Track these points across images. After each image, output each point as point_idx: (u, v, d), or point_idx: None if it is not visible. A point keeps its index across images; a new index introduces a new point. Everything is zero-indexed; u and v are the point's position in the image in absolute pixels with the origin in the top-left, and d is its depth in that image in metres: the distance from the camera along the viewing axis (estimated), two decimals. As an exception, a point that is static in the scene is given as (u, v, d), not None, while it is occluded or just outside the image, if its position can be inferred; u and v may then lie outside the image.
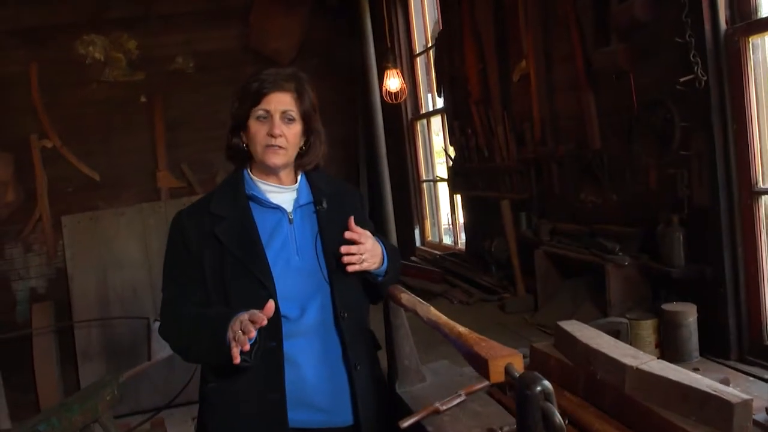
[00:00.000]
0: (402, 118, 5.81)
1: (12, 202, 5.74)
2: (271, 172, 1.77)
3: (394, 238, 5.90)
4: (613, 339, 1.84)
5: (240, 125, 1.76)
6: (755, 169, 2.12)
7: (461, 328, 1.48)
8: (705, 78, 2.16)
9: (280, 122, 1.71)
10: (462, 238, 4.80)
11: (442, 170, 5.37)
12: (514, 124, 3.56)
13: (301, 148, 1.80)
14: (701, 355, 2.19)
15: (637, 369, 1.60)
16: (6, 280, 5.87)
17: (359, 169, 6.42)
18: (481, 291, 3.58)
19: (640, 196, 2.55)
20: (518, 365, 1.26)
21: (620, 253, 2.45)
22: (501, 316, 3.15)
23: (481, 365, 1.28)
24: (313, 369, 1.73)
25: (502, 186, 3.70)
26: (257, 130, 1.71)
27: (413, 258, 5.23)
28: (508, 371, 1.23)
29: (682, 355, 2.16)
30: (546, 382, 1.12)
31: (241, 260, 1.69)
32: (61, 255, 5.78)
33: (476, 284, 3.72)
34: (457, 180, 4.49)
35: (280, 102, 1.72)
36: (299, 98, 1.75)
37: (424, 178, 5.81)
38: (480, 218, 4.27)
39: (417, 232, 5.93)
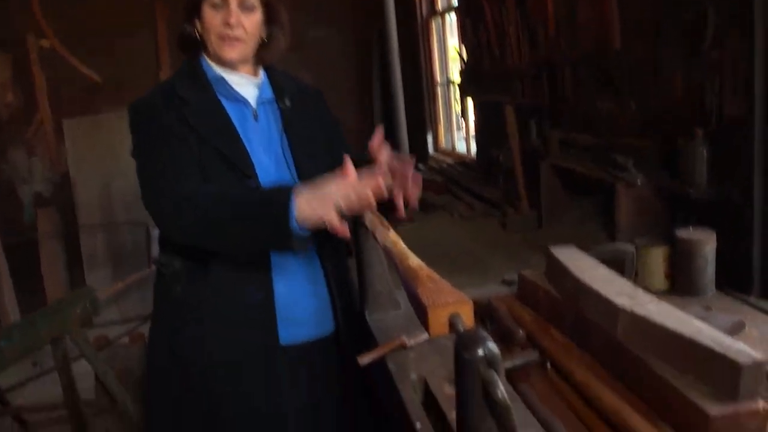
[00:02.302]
0: (416, 16, 5.37)
1: (11, 102, 5.57)
2: (227, 65, 1.58)
3: (405, 144, 5.64)
4: (611, 272, 1.59)
5: (192, 11, 1.54)
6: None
7: (413, 261, 1.24)
8: (749, -38, 1.78)
9: (237, 10, 1.51)
10: (474, 145, 4.50)
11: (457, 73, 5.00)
12: (528, 22, 3.17)
13: (262, 40, 1.59)
14: (718, 289, 1.92)
15: (631, 312, 1.36)
16: (11, 183, 5.80)
17: (372, 71, 6.05)
18: (485, 204, 3.32)
19: (663, 106, 2.22)
20: (466, 316, 1.02)
21: (633, 170, 2.15)
22: (501, 233, 2.90)
23: (421, 312, 1.04)
24: (290, 278, 1.58)
25: (513, 90, 3.36)
26: (212, 18, 1.51)
27: (419, 166, 4.95)
28: (452, 324, 1.00)
29: (696, 289, 1.89)
30: (491, 345, 0.88)
31: (220, 151, 1.50)
32: (65, 160, 5.64)
33: (481, 197, 3.45)
34: (468, 83, 4.14)
35: None
36: None
37: (438, 80, 5.44)
38: (491, 124, 3.95)
39: (430, 138, 5.62)
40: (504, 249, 2.65)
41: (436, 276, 1.16)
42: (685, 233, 1.93)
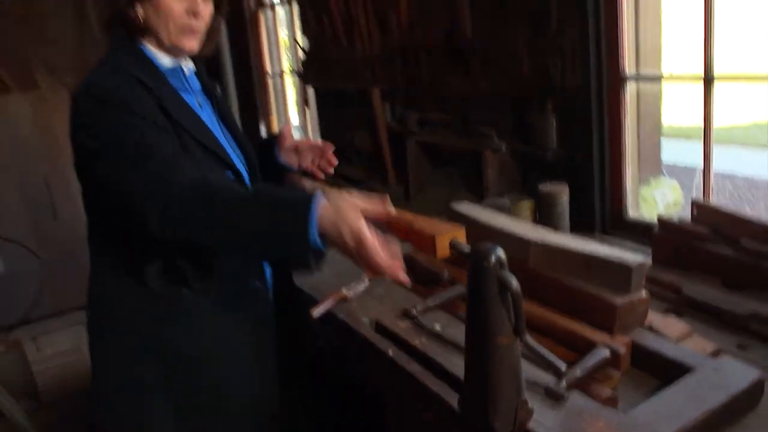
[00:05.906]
0: (243, 8, 5.41)
1: None
2: (177, 55, 1.56)
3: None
4: (510, 217, 1.93)
5: None
6: (623, 57, 2.27)
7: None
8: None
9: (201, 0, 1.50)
10: (312, 133, 4.70)
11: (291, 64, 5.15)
12: (377, 11, 3.45)
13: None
14: (571, 230, 2.37)
15: (541, 244, 1.70)
16: None
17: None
18: (347, 182, 3.56)
19: (512, 84, 2.62)
20: (461, 238, 1.27)
21: (496, 140, 2.54)
22: (373, 206, 3.15)
23: (425, 243, 1.27)
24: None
25: (362, 77, 3.62)
26: (173, 6, 1.46)
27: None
28: (455, 246, 1.24)
29: (557, 231, 2.33)
30: (500, 250, 1.13)
31: (200, 141, 1.47)
32: None
33: (340, 176, 3.68)
34: (310, 71, 4.32)
35: None
36: None
37: (269, 71, 5.54)
38: (338, 112, 4.19)
39: (263, 127, 5.71)
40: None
41: (415, 215, 1.39)
42: (545, 188, 2.36)
